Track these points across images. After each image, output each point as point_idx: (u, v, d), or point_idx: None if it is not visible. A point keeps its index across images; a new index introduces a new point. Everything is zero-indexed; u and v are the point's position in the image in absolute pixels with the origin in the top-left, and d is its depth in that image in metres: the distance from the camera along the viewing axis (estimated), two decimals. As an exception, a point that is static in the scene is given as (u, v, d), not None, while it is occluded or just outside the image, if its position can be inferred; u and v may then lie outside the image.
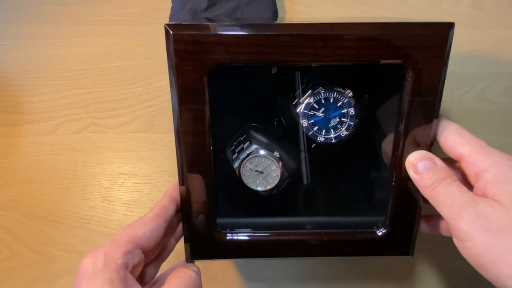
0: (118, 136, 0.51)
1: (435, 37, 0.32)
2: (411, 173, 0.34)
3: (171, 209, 0.37)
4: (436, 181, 0.32)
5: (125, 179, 0.52)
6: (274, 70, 0.41)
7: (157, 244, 0.36)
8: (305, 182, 0.43)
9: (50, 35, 0.49)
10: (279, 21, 0.47)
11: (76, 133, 0.51)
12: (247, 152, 0.40)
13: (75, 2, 0.49)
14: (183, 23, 0.34)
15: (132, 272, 0.33)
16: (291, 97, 0.40)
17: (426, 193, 0.33)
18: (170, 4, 0.47)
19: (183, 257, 0.39)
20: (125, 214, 0.52)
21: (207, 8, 0.46)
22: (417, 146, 0.35)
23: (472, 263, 0.31)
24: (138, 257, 0.33)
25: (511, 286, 0.29)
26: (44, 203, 0.52)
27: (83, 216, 0.52)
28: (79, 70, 0.50)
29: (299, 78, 0.40)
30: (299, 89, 0.40)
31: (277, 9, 0.47)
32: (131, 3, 0.49)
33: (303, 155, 0.42)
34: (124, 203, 0.52)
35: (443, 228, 0.38)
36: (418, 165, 0.34)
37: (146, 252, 0.35)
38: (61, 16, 0.49)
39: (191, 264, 0.39)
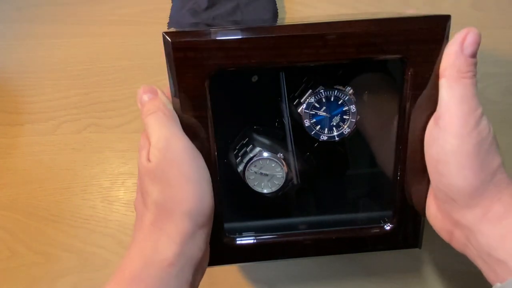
0: (118, 136, 0.51)
1: (433, 30, 0.32)
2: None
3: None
4: None
5: (125, 179, 0.52)
6: (254, 79, 0.41)
7: None
8: (300, 182, 0.43)
9: (50, 35, 0.49)
10: (279, 21, 0.47)
11: (76, 133, 0.51)
12: (251, 155, 0.40)
13: (75, 2, 0.49)
14: (181, 30, 0.33)
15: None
16: (291, 97, 0.40)
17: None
18: (170, 4, 0.47)
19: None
20: (125, 214, 0.52)
21: (207, 8, 0.46)
22: (420, 141, 0.35)
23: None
24: None
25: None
26: (44, 203, 0.52)
27: (83, 216, 0.52)
28: (79, 70, 0.50)
29: (284, 79, 0.40)
30: (284, 91, 0.40)
31: (277, 9, 0.47)
32: (131, 3, 0.49)
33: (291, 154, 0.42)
34: (124, 203, 0.52)
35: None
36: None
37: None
38: (61, 16, 0.49)
39: None
